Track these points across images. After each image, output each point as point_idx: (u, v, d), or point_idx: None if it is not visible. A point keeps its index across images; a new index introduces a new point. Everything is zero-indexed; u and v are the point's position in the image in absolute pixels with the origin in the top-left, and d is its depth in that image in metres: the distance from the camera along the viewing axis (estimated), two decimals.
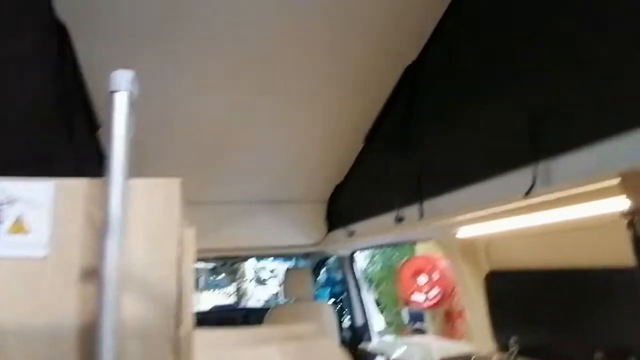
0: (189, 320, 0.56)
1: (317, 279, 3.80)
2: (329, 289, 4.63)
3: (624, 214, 0.59)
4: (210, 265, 3.65)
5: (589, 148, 0.94)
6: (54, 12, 1.25)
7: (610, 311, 1.15)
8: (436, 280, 4.82)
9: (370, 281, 6.65)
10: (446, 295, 4.65)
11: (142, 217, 0.53)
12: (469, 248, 1.79)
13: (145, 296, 0.52)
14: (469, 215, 1.38)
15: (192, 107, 1.78)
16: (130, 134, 0.52)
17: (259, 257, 3.61)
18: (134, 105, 0.53)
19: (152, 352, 0.50)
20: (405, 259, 5.19)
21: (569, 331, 1.33)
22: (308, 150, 2.32)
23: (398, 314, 5.74)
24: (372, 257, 6.80)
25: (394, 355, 1.71)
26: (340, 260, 3.10)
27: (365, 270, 6.80)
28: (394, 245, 2.61)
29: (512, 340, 1.54)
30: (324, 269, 4.23)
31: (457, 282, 1.90)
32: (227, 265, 3.70)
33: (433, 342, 2.13)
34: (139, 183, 0.54)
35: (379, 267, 6.60)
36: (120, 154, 0.50)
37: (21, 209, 0.50)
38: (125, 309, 0.50)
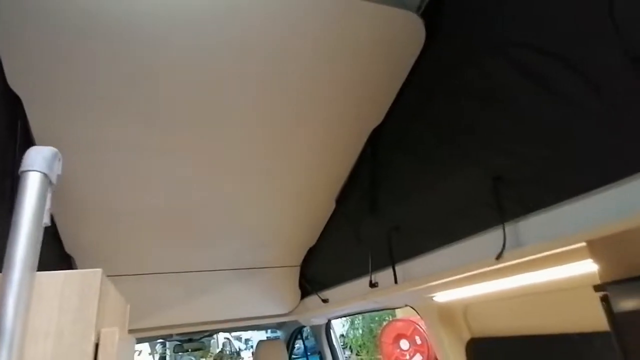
0: None
1: (293, 349, 3.53)
2: None
3: (595, 287, 0.55)
4: (175, 342, 3.34)
5: (552, 210, 0.93)
6: (6, 82, 1.21)
7: None
8: (419, 345, 4.60)
9: (350, 348, 6.27)
10: None
11: (48, 320, 0.44)
12: (448, 314, 1.70)
13: None
14: (442, 280, 1.32)
15: (156, 176, 1.71)
16: (43, 219, 0.44)
17: (228, 332, 3.34)
18: (51, 186, 0.46)
19: None
20: (385, 322, 4.97)
21: None
22: (278, 215, 2.25)
23: None
24: (352, 322, 6.49)
25: None
26: (315, 329, 2.90)
27: (345, 335, 6.45)
28: (371, 312, 2.48)
29: None
30: (300, 338, 3.96)
31: (437, 351, 1.77)
32: (194, 340, 3.40)
33: None
34: (46, 277, 0.45)
35: (359, 332, 6.28)
36: (24, 243, 0.42)
37: None
38: None
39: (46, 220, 0.46)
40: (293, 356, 3.67)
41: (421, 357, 4.31)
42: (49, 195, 0.46)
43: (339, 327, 6.63)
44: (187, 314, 2.50)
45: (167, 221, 1.98)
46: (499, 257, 1.10)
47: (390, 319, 5.08)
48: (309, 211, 2.27)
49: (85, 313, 0.46)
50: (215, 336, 7.55)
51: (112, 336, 0.50)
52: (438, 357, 1.91)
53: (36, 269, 0.43)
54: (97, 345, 0.47)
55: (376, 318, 6.17)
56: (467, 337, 1.65)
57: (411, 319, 4.54)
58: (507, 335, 1.44)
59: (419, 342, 4.40)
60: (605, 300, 0.53)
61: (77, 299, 0.46)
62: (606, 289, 0.54)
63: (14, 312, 0.40)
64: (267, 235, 2.43)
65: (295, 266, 2.77)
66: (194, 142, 1.53)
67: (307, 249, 2.63)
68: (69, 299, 0.46)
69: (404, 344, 4.63)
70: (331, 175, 2.01)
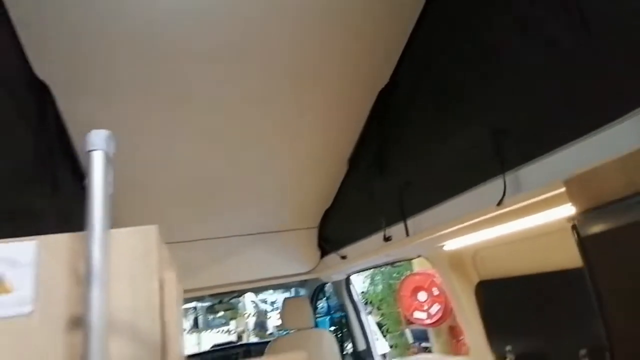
0: (177, 357, 0.58)
1: (317, 307, 3.77)
2: (329, 318, 4.57)
3: (568, 219, 0.64)
4: (207, 303, 3.60)
5: (549, 156, 1.01)
6: (33, 72, 1.31)
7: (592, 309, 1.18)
8: (436, 296, 4.80)
9: (371, 303, 6.57)
10: (447, 311, 4.62)
11: (123, 265, 0.56)
12: (457, 261, 1.83)
13: (131, 340, 0.54)
14: (450, 229, 1.42)
15: (179, 153, 1.82)
16: (109, 188, 0.56)
17: (257, 290, 3.58)
18: (111, 161, 0.57)
19: None
20: (403, 277, 5.17)
21: (558, 333, 1.36)
22: (296, 179, 2.37)
23: (402, 334, 5.66)
24: (372, 278, 6.76)
25: None
26: (336, 285, 3.09)
27: (366, 292, 6.73)
28: (388, 265, 2.63)
29: (508, 348, 1.56)
30: (323, 298, 4.19)
31: (449, 296, 1.91)
32: (224, 302, 3.65)
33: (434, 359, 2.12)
34: (118, 233, 0.57)
35: (379, 288, 6.54)
36: (99, 208, 0.53)
37: (2, 270, 0.53)
38: (112, 355, 0.52)
39: (111, 190, 0.57)
40: (317, 315, 3.91)
41: (439, 307, 4.52)
42: (111, 169, 0.57)
43: (359, 284, 6.92)
44: (216, 276, 2.70)
45: (192, 192, 2.12)
46: (499, 203, 1.19)
47: (408, 274, 5.27)
48: (324, 174, 2.37)
49: (149, 259, 0.58)
50: (242, 299, 8.01)
51: (171, 277, 0.62)
52: (450, 301, 2.06)
53: (110, 227, 0.55)
54: (160, 285, 0.59)
55: (394, 275, 6.41)
56: (475, 280, 1.78)
57: (428, 272, 4.71)
58: (511, 276, 1.56)
59: (436, 293, 4.59)
60: (574, 228, 0.62)
61: (142, 248, 0.58)
62: (575, 218, 0.63)
63: (100, 260, 0.53)
64: (286, 200, 2.57)
65: (313, 228, 2.92)
66: (213, 116, 1.62)
67: (324, 210, 2.77)
68: (136, 248, 0.58)
69: (422, 296, 4.84)
70: (343, 138, 2.09)
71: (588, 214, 0.59)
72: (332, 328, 4.55)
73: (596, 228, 0.57)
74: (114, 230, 0.56)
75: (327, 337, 2.96)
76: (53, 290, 0.53)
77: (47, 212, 1.37)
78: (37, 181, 1.42)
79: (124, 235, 0.58)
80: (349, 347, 3.33)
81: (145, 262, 0.57)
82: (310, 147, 2.10)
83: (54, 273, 0.54)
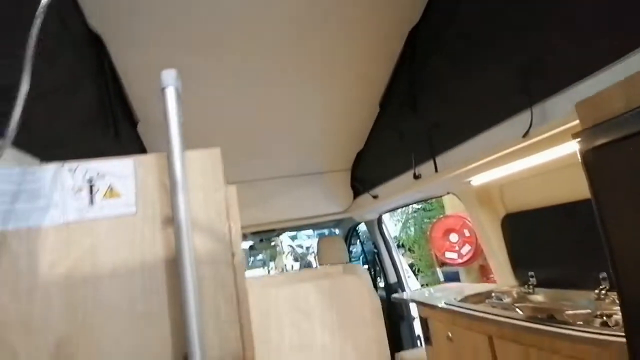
0: (239, 252, 0.74)
1: (350, 248, 3.99)
2: (363, 261, 4.82)
3: (573, 135, 0.70)
4: (249, 242, 3.92)
5: (573, 87, 1.05)
6: (88, 25, 1.44)
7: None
8: (467, 237, 4.91)
9: (403, 246, 6.82)
10: (478, 251, 4.75)
11: (197, 179, 0.71)
12: (485, 195, 1.91)
13: (208, 236, 0.70)
14: (477, 163, 1.49)
15: (222, 98, 1.96)
16: (181, 117, 0.69)
17: (295, 229, 3.84)
18: (180, 96, 0.70)
19: (218, 274, 0.69)
20: (436, 220, 5.29)
21: (579, 259, 1.45)
22: (330, 123, 2.47)
23: (433, 274, 5.90)
24: (405, 223, 6.95)
25: (422, 298, 1.88)
26: (369, 224, 3.27)
27: (399, 236, 6.96)
28: (419, 203, 2.73)
29: (530, 274, 1.67)
30: (357, 242, 4.39)
31: (476, 229, 2.02)
32: (264, 242, 3.95)
33: (461, 286, 2.28)
34: (191, 153, 0.71)
35: (412, 232, 6.74)
36: (176, 133, 0.67)
37: (111, 180, 0.69)
38: (197, 245, 0.68)
39: (182, 119, 0.71)
40: (351, 258, 4.15)
41: (470, 247, 4.65)
42: (180, 103, 0.70)
43: (392, 229, 7.14)
44: (256, 216, 2.94)
45: (230, 137, 2.28)
46: (525, 134, 1.25)
47: (441, 217, 5.39)
48: (357, 117, 2.45)
49: (216, 174, 0.73)
50: (280, 244, 8.54)
51: (233, 189, 0.77)
52: (477, 235, 2.17)
53: (184, 149, 0.69)
54: (225, 196, 0.74)
55: (426, 220, 6.54)
56: (502, 214, 1.86)
57: (460, 214, 4.79)
58: (536, 207, 1.63)
59: (467, 234, 4.70)
60: (579, 144, 0.69)
61: (210, 165, 0.73)
62: (579, 135, 0.69)
63: (180, 174, 0.67)
64: (321, 143, 2.69)
65: (346, 170, 3.06)
66: (247, 62, 1.72)
67: (356, 153, 2.87)
68: (205, 165, 0.73)
69: (453, 237, 4.96)
70: (374, 80, 2.14)
71: (590, 130, 0.66)
72: (366, 267, 4.81)
73: (596, 142, 0.65)
74: (188, 151, 0.70)
75: (361, 272, 3.19)
76: (148, 196, 0.69)
77: (112, 153, 1.57)
78: (101, 127, 1.61)
79: (196, 155, 0.72)
80: (381, 284, 3.57)
81: (214, 175, 0.72)
82: (343, 91, 2.17)
83: (147, 184, 0.70)
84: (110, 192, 0.69)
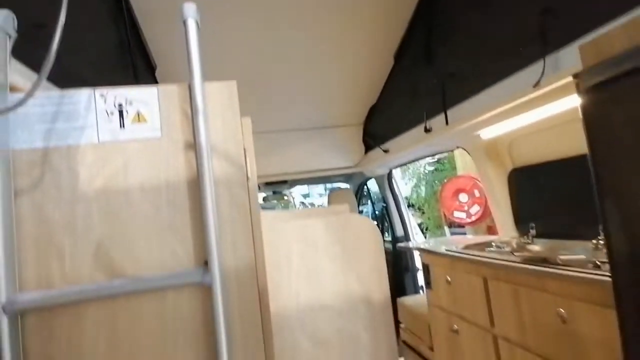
0: (254, 175, 0.82)
1: (361, 209, 4.09)
2: (372, 217, 4.91)
3: (573, 76, 0.73)
4: (262, 194, 4.04)
5: (588, 36, 1.05)
6: None
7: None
8: (477, 198, 4.96)
9: (413, 206, 6.92)
10: (487, 211, 4.81)
11: (216, 107, 0.78)
12: (493, 150, 1.94)
13: (225, 159, 0.77)
14: (487, 115, 1.51)
15: (234, 47, 1.98)
16: (201, 50, 0.74)
17: (307, 182, 3.95)
18: (199, 28, 0.75)
19: (234, 194, 0.77)
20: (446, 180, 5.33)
21: (580, 211, 1.50)
22: (344, 76, 2.47)
23: (441, 234, 6.02)
24: (417, 183, 7.02)
25: (426, 246, 1.97)
26: (379, 179, 3.33)
27: (410, 197, 7.06)
28: (429, 156, 2.75)
29: (531, 225, 1.73)
30: (369, 202, 4.45)
31: (483, 183, 2.07)
32: (277, 194, 4.07)
33: (464, 238, 2.37)
34: (211, 85, 0.77)
35: (422, 192, 6.82)
36: (197, 63, 0.73)
37: (138, 107, 0.76)
38: (215, 167, 0.76)
39: (201, 52, 0.76)
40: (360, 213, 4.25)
41: (479, 207, 4.71)
42: (199, 35, 0.75)
43: (404, 188, 7.23)
44: (268, 166, 3.03)
45: (244, 86, 2.31)
46: (536, 84, 1.26)
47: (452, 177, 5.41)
48: (370, 71, 2.45)
49: (232, 104, 0.79)
50: (292, 199, 8.76)
51: (247, 121, 0.84)
52: (484, 189, 2.22)
53: (204, 79, 0.75)
54: (241, 126, 0.81)
55: (436, 182, 6.57)
56: (509, 168, 1.90)
57: (471, 175, 4.81)
58: (542, 162, 1.67)
59: (477, 195, 4.74)
60: (577, 85, 0.72)
61: (227, 95, 0.79)
62: (578, 76, 0.72)
63: (201, 102, 0.74)
64: (334, 97, 2.71)
65: (359, 124, 3.08)
66: (267, 7, 1.72)
67: (369, 107, 2.89)
68: (223, 95, 0.79)
69: (463, 197, 5.01)
70: (390, 32, 2.12)
71: (590, 69, 0.69)
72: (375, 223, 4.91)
73: (593, 81, 0.68)
74: (207, 82, 0.76)
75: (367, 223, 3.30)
76: (171, 123, 0.76)
77: None
78: (120, 69, 1.67)
79: (214, 86, 0.78)
80: (388, 239, 3.69)
81: (230, 105, 0.78)
82: (358, 43, 2.16)
83: (170, 111, 0.77)
84: (138, 117, 0.76)
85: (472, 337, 1.62)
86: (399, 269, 3.22)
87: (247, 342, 0.75)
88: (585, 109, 0.75)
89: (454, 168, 6.20)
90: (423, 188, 6.64)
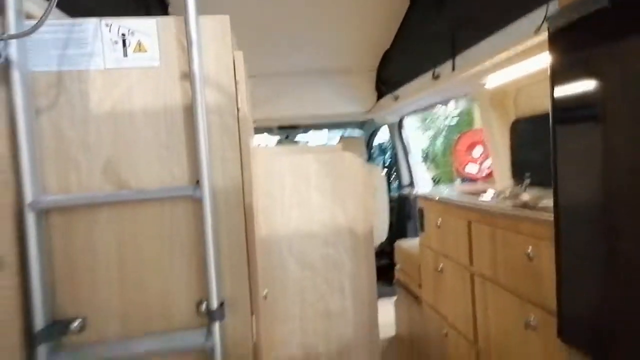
0: (244, 108, 0.90)
1: (372, 150, 4.13)
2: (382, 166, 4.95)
3: (546, 19, 0.74)
4: (276, 137, 4.13)
5: None
6: None
7: None
8: None
9: (428, 159, 6.94)
10: None
11: (209, 40, 0.84)
12: (497, 100, 1.94)
13: (217, 90, 0.85)
14: (492, 61, 1.51)
15: None
16: None
17: (319, 127, 4.00)
18: None
19: (225, 122, 0.86)
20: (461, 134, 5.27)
21: None
22: (358, 18, 2.43)
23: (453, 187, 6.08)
24: (435, 137, 6.97)
25: (422, 192, 2.06)
26: (390, 127, 3.36)
27: (427, 149, 7.05)
28: (436, 105, 2.74)
29: (526, 174, 1.78)
30: (381, 156, 4.47)
31: (485, 132, 2.09)
32: (290, 138, 4.15)
33: (463, 187, 2.44)
34: (205, 18, 0.83)
35: (439, 146, 6.79)
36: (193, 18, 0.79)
37: (139, 37, 0.83)
38: (207, 97, 0.84)
39: None
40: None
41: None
42: None
43: (420, 139, 7.22)
44: (279, 109, 3.08)
45: (252, 26, 2.31)
46: (537, 30, 1.25)
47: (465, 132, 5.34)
48: (385, 13, 2.39)
49: (225, 38, 0.85)
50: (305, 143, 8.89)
51: (239, 55, 0.90)
52: (485, 139, 2.24)
53: (198, 14, 0.81)
54: (233, 60, 0.87)
55: (454, 138, 6.50)
56: (512, 118, 1.91)
57: None
58: (544, 113, 1.67)
59: None
60: (548, 29, 0.74)
61: (220, 30, 0.85)
62: (551, 17, 0.74)
63: (195, 34, 0.80)
64: (348, 39, 2.68)
65: (372, 70, 3.06)
66: None
67: (383, 52, 2.84)
68: (216, 29, 0.85)
69: (477, 152, 4.97)
70: None
71: (561, 10, 0.71)
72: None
73: (563, 20, 0.70)
74: (201, 16, 0.82)
75: (376, 170, 3.38)
76: (169, 53, 0.84)
77: None
78: (133, 9, 1.71)
79: (208, 19, 0.84)
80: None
81: (223, 39, 0.85)
82: None
83: (168, 42, 0.84)
84: (139, 47, 0.83)
85: (453, 275, 1.75)
86: (402, 215, 3.34)
87: (232, 254, 0.88)
88: (550, 46, 0.78)
89: (472, 124, 6.10)
90: (440, 141, 6.60)
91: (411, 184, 3.32)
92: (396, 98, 2.67)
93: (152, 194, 0.83)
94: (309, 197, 1.27)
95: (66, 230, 0.82)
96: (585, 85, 0.76)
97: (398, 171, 3.42)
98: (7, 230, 0.74)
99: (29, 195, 0.77)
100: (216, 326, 0.83)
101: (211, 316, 0.83)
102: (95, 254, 0.83)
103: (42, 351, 0.78)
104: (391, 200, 3.41)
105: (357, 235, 1.31)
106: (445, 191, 2.16)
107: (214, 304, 0.83)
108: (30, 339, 0.78)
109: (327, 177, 1.28)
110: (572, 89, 0.79)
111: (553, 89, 0.79)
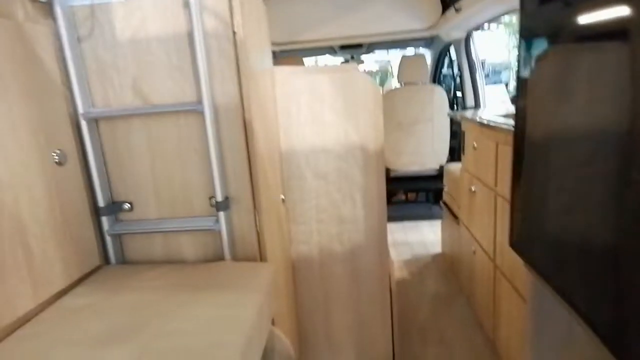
0: (240, 29, 0.99)
1: (440, 72, 3.88)
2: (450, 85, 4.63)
3: None
4: (340, 58, 4.09)
5: None
6: None
7: None
8: None
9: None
10: None
11: None
12: None
13: (213, 17, 0.97)
14: None
15: None
16: None
17: (381, 46, 3.85)
18: None
19: (222, 46, 0.98)
20: None
21: None
22: None
23: None
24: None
25: (463, 115, 1.99)
26: (456, 44, 3.11)
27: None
28: (502, 16, 2.43)
29: None
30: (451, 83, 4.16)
31: None
32: (355, 58, 4.07)
33: None
34: None
35: None
36: None
37: None
38: (205, 23, 0.97)
39: None
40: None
41: None
42: None
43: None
44: (340, 30, 3.03)
45: None
46: None
47: None
48: None
49: None
50: (390, 67, 8.51)
51: None
52: None
53: None
54: None
55: None
56: None
57: None
58: None
59: None
60: None
61: None
62: None
63: None
64: None
65: None
66: None
67: None
68: None
69: None
70: None
71: None
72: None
73: None
74: None
75: (438, 91, 3.24)
76: None
77: None
78: None
79: None
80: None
81: None
82: None
83: None
84: None
85: (482, 196, 1.76)
86: (458, 138, 3.23)
87: (234, 161, 1.05)
88: None
89: None
90: None
91: (476, 105, 3.14)
92: (458, 10, 2.46)
93: (166, 108, 1.03)
94: (323, 115, 1.37)
95: (111, 134, 1.07)
96: None
97: (463, 91, 3.23)
98: (68, 133, 1.01)
99: (80, 107, 1.02)
100: (222, 215, 1.06)
101: (217, 207, 1.05)
102: (133, 154, 1.08)
103: (104, 221, 1.09)
104: (452, 122, 3.29)
105: (368, 151, 1.40)
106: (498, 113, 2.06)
107: (219, 198, 1.05)
108: (97, 213, 1.09)
109: (340, 96, 1.35)
110: None
111: None
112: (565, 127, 0.82)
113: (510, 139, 1.43)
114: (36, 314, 0.85)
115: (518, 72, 0.91)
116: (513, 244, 1.09)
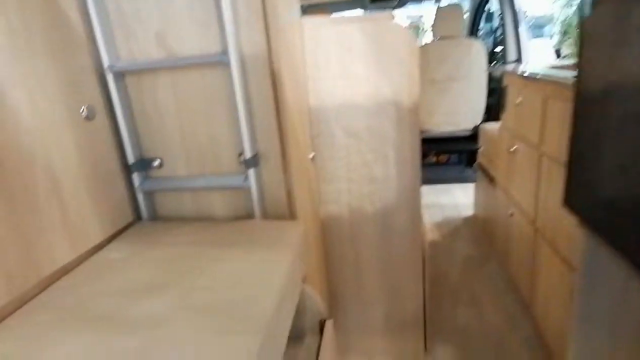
0: None
1: (478, 24, 3.61)
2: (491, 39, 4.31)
3: None
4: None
5: None
6: None
7: None
8: None
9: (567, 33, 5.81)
10: None
11: None
12: None
13: None
14: None
15: None
16: None
17: (415, 1, 3.60)
18: None
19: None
20: None
21: None
22: None
23: None
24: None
25: (510, 69, 1.83)
26: None
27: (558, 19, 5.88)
28: None
29: None
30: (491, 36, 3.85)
31: None
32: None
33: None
34: None
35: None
36: None
37: None
38: None
39: None
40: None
41: None
42: None
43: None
44: None
45: None
46: None
47: None
48: None
49: None
50: (421, 26, 8.06)
51: None
52: None
53: None
54: None
55: None
56: None
57: None
58: None
59: None
60: None
61: None
62: None
63: None
64: None
65: None
66: None
67: None
68: None
69: None
70: None
71: None
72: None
73: None
74: None
75: (476, 45, 3.02)
76: None
77: None
78: None
79: None
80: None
81: None
82: None
83: None
84: None
85: (524, 156, 1.66)
86: (499, 93, 3.04)
87: (263, 115, 1.01)
88: None
89: None
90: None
91: (518, 60, 2.92)
92: None
93: (192, 60, 0.98)
94: (353, 69, 1.29)
95: (138, 88, 1.05)
96: None
97: (504, 43, 3.00)
98: (95, 88, 0.99)
99: (106, 61, 0.99)
100: (251, 172, 1.03)
101: (247, 163, 1.02)
102: (160, 108, 1.05)
103: (135, 177, 1.09)
104: (495, 81, 3.09)
105: (402, 107, 1.31)
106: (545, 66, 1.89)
107: (248, 154, 1.01)
108: (127, 169, 1.09)
109: (372, 47, 1.26)
110: None
111: None
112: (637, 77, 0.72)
113: (561, 92, 1.30)
114: (74, 267, 0.87)
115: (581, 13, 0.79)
116: (568, 204, 1.01)
